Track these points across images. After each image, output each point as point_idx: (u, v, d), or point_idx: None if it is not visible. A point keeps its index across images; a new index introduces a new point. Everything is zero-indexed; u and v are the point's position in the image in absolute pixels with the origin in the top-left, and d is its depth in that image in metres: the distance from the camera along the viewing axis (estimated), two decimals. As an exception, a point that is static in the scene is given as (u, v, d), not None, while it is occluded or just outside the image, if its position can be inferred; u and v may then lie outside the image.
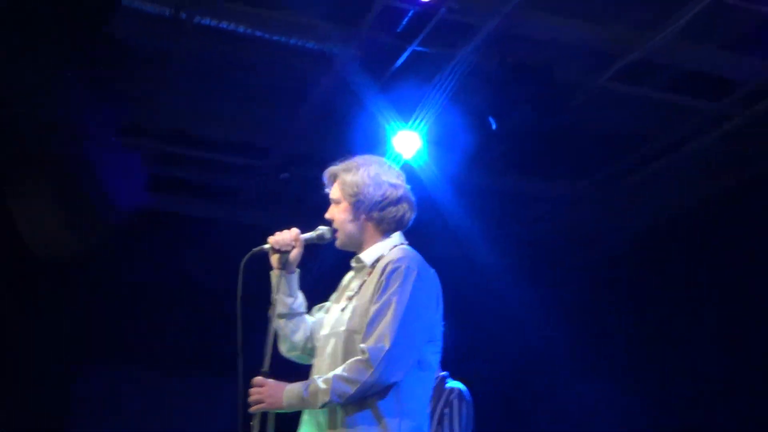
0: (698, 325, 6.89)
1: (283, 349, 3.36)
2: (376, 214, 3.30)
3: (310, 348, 3.36)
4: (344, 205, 3.31)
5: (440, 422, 4.53)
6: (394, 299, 3.07)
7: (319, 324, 3.36)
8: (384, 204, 3.29)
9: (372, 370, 3.00)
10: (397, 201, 3.31)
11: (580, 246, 8.08)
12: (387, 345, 3.01)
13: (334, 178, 3.37)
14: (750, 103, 6.13)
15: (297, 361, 3.38)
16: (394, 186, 3.32)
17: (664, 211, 7.40)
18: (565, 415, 7.49)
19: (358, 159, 3.39)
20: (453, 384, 4.64)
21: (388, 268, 3.12)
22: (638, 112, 6.36)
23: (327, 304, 3.45)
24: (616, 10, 5.37)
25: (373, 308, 3.09)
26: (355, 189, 3.29)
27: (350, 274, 3.43)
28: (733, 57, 5.73)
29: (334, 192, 3.36)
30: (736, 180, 6.78)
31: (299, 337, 3.34)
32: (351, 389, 3.01)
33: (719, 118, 6.34)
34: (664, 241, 7.42)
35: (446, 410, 4.55)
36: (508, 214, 7.75)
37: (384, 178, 3.32)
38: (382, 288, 3.10)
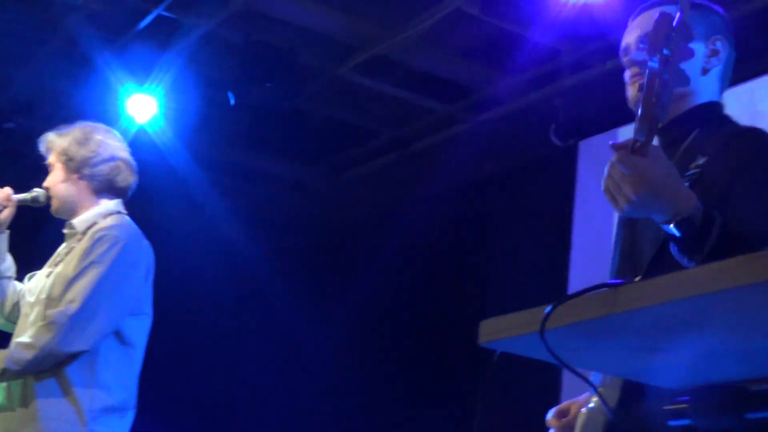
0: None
1: None
2: (87, 170, 3.18)
3: (16, 316, 3.20)
4: (56, 167, 3.21)
5: None
6: (93, 266, 2.98)
7: (27, 291, 3.22)
8: (95, 160, 3.19)
9: (52, 334, 2.88)
10: (110, 159, 3.21)
11: (301, 228, 8.23)
12: (72, 310, 2.91)
13: (49, 144, 3.27)
14: (479, 110, 6.42)
15: (2, 329, 3.23)
16: (104, 143, 3.22)
17: (381, 206, 7.61)
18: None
19: (76, 125, 3.31)
20: None
21: (96, 236, 3.04)
22: (373, 105, 6.53)
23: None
24: (364, 5, 5.47)
25: (72, 274, 2.99)
26: (65, 147, 3.19)
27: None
28: (468, 65, 5.99)
29: (50, 158, 3.25)
30: (459, 182, 7.07)
31: (6, 303, 3.19)
32: (28, 355, 2.87)
33: (449, 121, 6.62)
34: (372, 236, 7.65)
35: None
36: (240, 188, 7.75)
37: (95, 135, 3.23)
38: (84, 254, 3.00)
